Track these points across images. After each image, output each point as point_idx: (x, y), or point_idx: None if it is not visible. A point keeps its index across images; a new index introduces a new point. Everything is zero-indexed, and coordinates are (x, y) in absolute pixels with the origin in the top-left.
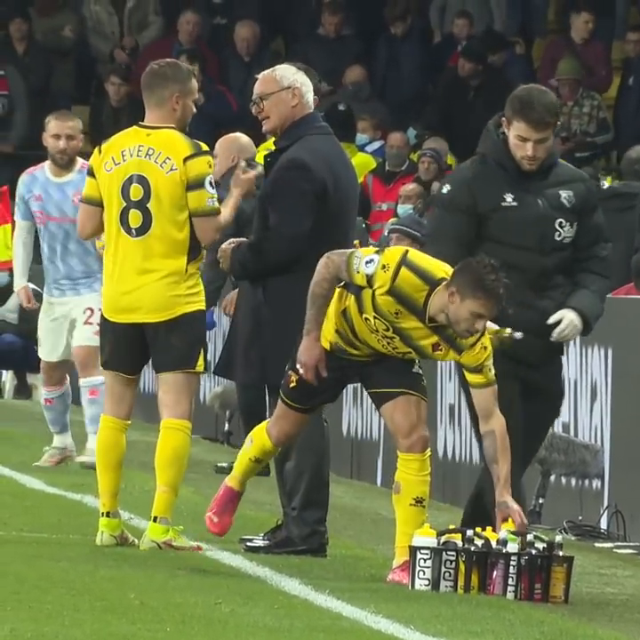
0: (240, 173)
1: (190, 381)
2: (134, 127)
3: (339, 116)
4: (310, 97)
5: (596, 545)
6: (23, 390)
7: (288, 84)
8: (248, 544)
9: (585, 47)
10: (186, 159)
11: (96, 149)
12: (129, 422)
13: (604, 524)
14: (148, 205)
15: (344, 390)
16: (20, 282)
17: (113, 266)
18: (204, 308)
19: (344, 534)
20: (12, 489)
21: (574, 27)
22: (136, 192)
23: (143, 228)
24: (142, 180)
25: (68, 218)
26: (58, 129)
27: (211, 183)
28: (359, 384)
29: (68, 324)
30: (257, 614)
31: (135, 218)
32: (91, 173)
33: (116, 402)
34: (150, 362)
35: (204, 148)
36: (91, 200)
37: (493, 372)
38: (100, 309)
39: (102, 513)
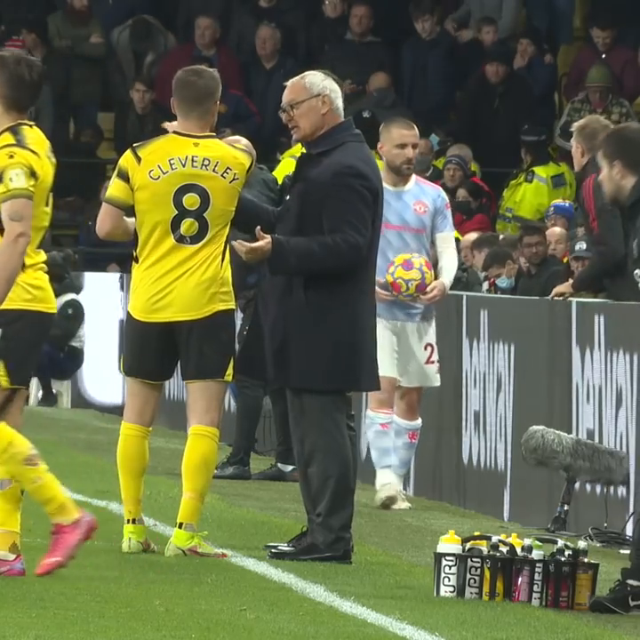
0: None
1: (220, 390)
2: (174, 135)
3: (363, 123)
4: (340, 103)
5: (622, 552)
6: (48, 397)
7: (318, 91)
8: (273, 551)
9: (611, 55)
10: (248, 169)
11: (129, 153)
12: (151, 429)
13: (629, 531)
14: (205, 214)
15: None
16: None
17: (153, 271)
18: (234, 307)
19: (369, 541)
20: None
21: (595, 37)
22: (191, 201)
23: (199, 237)
24: (199, 190)
25: (408, 227)
26: (404, 138)
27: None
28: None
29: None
30: (282, 621)
31: (190, 226)
32: (123, 177)
33: (140, 409)
34: (177, 368)
35: (253, 152)
36: (117, 202)
37: None
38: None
39: (128, 520)
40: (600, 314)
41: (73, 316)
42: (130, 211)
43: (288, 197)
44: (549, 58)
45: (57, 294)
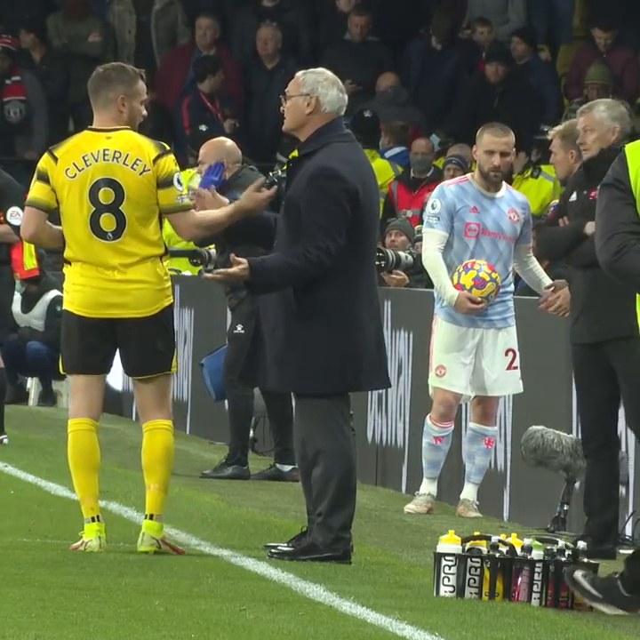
0: (254, 192)
1: (169, 381)
2: (86, 132)
3: (365, 123)
4: (331, 108)
5: (621, 551)
6: (48, 397)
7: (307, 91)
8: (273, 551)
9: (611, 55)
10: (155, 159)
11: (46, 155)
12: (99, 423)
13: (628, 531)
14: (120, 208)
15: (369, 397)
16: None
17: (84, 267)
18: (172, 301)
19: (369, 541)
20: (36, 496)
21: (596, 37)
22: (106, 196)
23: (118, 231)
24: (113, 184)
25: (503, 235)
26: (493, 145)
27: (179, 180)
28: (383, 391)
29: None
30: (281, 621)
31: (108, 221)
32: (43, 178)
33: (89, 404)
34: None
35: (167, 146)
36: (39, 204)
37: None
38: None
39: (91, 518)
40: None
41: (61, 312)
42: (55, 214)
43: (283, 202)
44: (546, 55)
45: (39, 294)
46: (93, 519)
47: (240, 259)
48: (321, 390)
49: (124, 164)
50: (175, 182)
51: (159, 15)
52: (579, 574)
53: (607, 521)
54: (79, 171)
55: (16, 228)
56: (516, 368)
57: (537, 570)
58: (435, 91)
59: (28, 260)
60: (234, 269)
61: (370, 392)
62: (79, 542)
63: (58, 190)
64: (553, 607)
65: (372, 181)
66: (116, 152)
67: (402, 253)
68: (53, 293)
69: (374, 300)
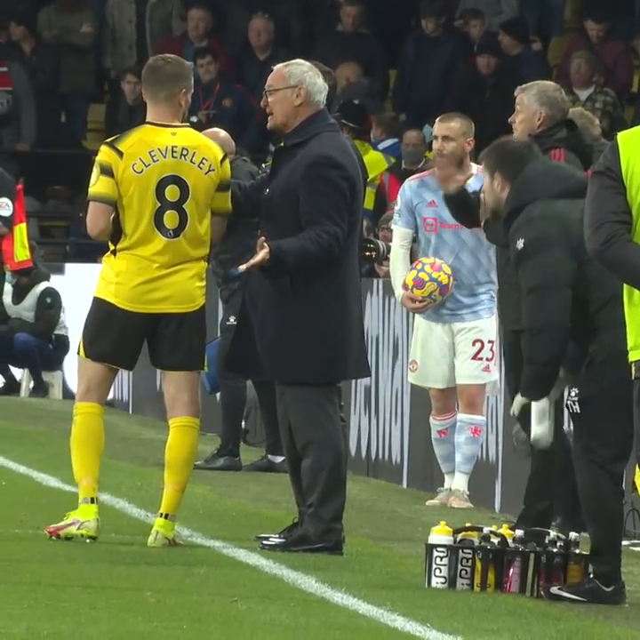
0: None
1: (198, 379)
2: (147, 126)
3: (354, 111)
4: (319, 97)
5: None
6: (39, 389)
7: (295, 82)
8: (264, 542)
9: (603, 47)
10: (222, 160)
11: (108, 148)
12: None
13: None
14: (184, 206)
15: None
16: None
17: (132, 260)
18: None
19: (360, 532)
20: (28, 487)
21: (588, 29)
22: (172, 193)
23: (179, 229)
24: (179, 181)
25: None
26: (436, 131)
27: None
28: (371, 384)
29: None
30: (273, 612)
31: (172, 219)
32: (108, 172)
33: (102, 391)
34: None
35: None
36: (107, 199)
37: None
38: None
39: (91, 498)
40: None
41: (52, 304)
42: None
43: (267, 191)
44: (538, 46)
45: (30, 286)
46: (92, 500)
47: (264, 243)
48: (314, 379)
49: (191, 161)
50: (232, 186)
51: (155, 7)
52: (555, 589)
53: (541, 510)
54: (146, 166)
55: (6, 220)
56: (481, 359)
57: (529, 561)
58: (428, 79)
59: (21, 250)
60: (258, 257)
61: (357, 387)
62: (70, 521)
63: (122, 184)
64: (546, 595)
65: (362, 171)
66: (183, 149)
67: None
68: (44, 285)
69: (358, 287)
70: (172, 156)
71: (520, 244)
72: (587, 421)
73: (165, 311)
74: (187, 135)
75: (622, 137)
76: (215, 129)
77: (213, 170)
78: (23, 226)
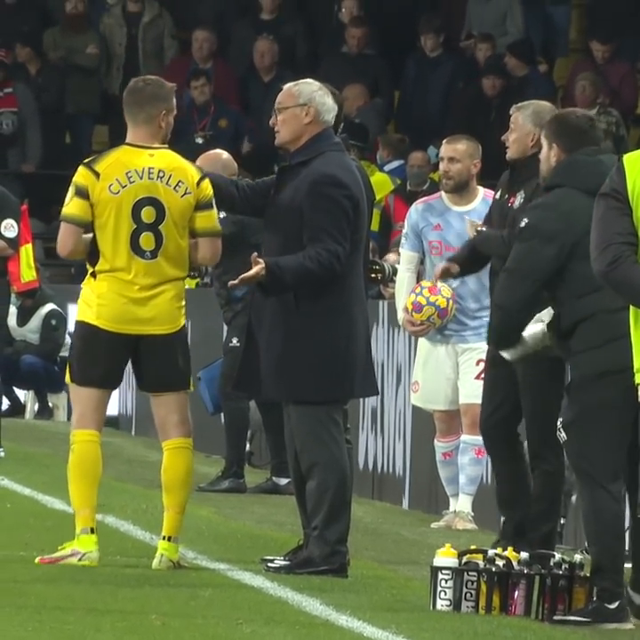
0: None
1: (187, 400)
2: (126, 147)
3: (356, 130)
4: (328, 117)
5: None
6: (44, 411)
7: (304, 101)
8: (269, 564)
9: (609, 68)
10: (198, 182)
11: (85, 170)
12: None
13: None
14: (160, 228)
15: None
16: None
17: (113, 282)
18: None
19: (365, 555)
20: (33, 509)
21: (594, 50)
22: (148, 214)
23: (156, 250)
24: (155, 203)
25: None
26: (443, 152)
27: (214, 204)
28: (379, 406)
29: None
30: (278, 635)
31: (148, 240)
32: (82, 194)
33: (98, 417)
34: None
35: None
36: (78, 221)
37: None
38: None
39: (91, 528)
40: None
41: (57, 326)
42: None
43: (271, 209)
44: (545, 68)
45: (35, 308)
46: (92, 530)
47: (258, 258)
48: (319, 397)
49: (167, 184)
50: (214, 205)
51: (147, 28)
52: (559, 616)
53: (517, 521)
54: (122, 187)
55: (11, 241)
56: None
57: (534, 583)
58: (429, 100)
59: (27, 271)
60: (252, 271)
61: (365, 407)
62: (68, 552)
63: (98, 205)
64: (549, 621)
65: (367, 190)
66: (160, 171)
67: (397, 266)
68: (49, 307)
69: (365, 305)
70: (149, 178)
71: (523, 222)
72: (575, 446)
73: (149, 333)
74: (164, 157)
75: (628, 159)
76: (218, 150)
77: (190, 192)
78: (29, 246)
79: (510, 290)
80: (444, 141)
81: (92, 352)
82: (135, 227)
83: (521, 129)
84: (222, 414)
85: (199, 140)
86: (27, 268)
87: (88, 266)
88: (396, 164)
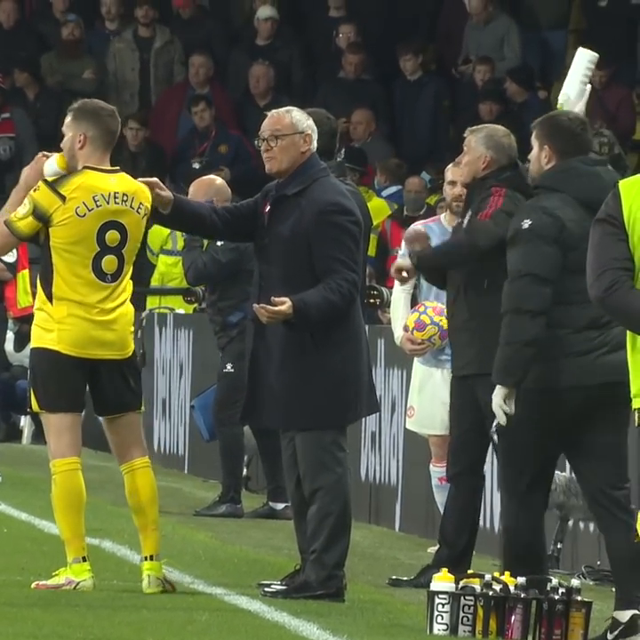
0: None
1: (141, 420)
2: (89, 171)
3: (356, 155)
4: (317, 144)
5: (615, 590)
6: (41, 435)
7: (302, 129)
8: (266, 589)
9: (606, 93)
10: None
11: (49, 191)
12: None
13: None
14: (122, 251)
15: (362, 435)
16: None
17: (72, 306)
18: None
19: (362, 579)
20: (30, 534)
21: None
22: (112, 238)
23: (117, 274)
24: (118, 226)
25: None
26: (452, 176)
27: None
28: (377, 428)
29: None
30: None
31: (110, 263)
32: (40, 218)
33: (75, 442)
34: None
35: None
36: (21, 236)
37: None
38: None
39: (83, 557)
40: None
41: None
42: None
43: (265, 240)
44: (544, 94)
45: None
46: (84, 559)
47: (282, 298)
48: (332, 422)
49: (130, 207)
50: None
51: (158, 53)
52: None
53: (459, 549)
54: (89, 211)
55: (10, 266)
56: None
57: (531, 608)
58: (417, 123)
59: (23, 297)
60: (282, 308)
61: (363, 430)
62: (63, 581)
63: (62, 228)
64: None
65: (363, 215)
66: (124, 195)
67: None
68: None
69: (364, 327)
70: (115, 202)
71: (526, 224)
72: (504, 451)
73: (108, 357)
74: (125, 180)
75: (624, 185)
76: (211, 176)
77: (147, 214)
78: (26, 272)
79: (526, 291)
80: (451, 165)
81: (58, 377)
82: (99, 250)
83: (473, 152)
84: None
85: (195, 165)
86: (23, 294)
87: (41, 292)
88: (393, 189)
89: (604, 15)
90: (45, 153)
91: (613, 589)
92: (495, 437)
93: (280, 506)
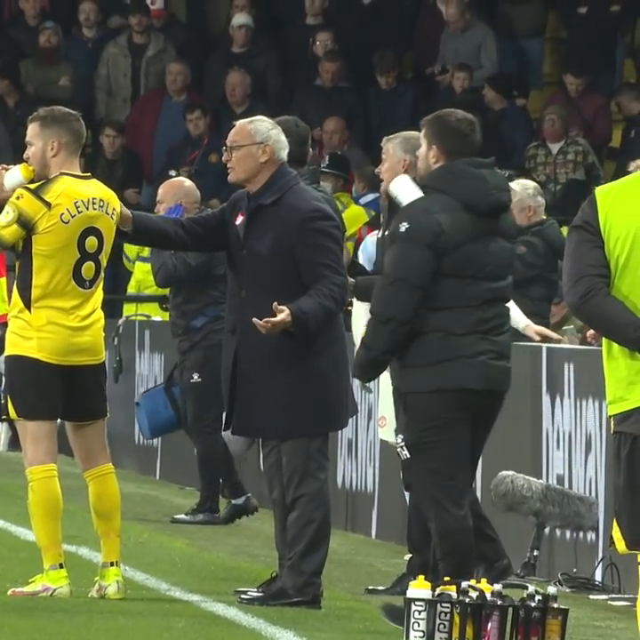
0: None
1: (105, 427)
2: (66, 177)
3: (340, 161)
4: (283, 154)
5: (591, 597)
6: (17, 442)
7: (261, 139)
8: (242, 596)
9: (583, 101)
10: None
11: (34, 198)
12: None
13: (598, 577)
14: (99, 257)
15: (339, 442)
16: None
17: (51, 313)
18: None
19: (338, 586)
20: (6, 541)
21: (568, 83)
22: (91, 244)
23: (94, 280)
24: (96, 232)
25: None
26: None
27: None
28: (354, 436)
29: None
30: None
31: (89, 270)
32: (25, 225)
33: (52, 449)
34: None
35: None
36: (6, 245)
37: None
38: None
39: (60, 564)
40: (570, 361)
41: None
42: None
43: (243, 251)
44: (522, 102)
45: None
46: (61, 565)
47: (282, 306)
48: (326, 429)
49: (105, 212)
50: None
51: (151, 61)
52: None
53: (429, 555)
54: (72, 217)
55: None
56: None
57: (507, 615)
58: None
59: (0, 305)
60: (281, 317)
61: (340, 438)
62: (39, 588)
63: (46, 235)
64: None
65: (339, 219)
66: (100, 200)
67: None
68: None
69: (344, 331)
70: (93, 208)
71: (403, 226)
72: (419, 466)
73: (84, 363)
74: (98, 186)
75: (600, 192)
76: (180, 178)
77: (117, 219)
78: (3, 280)
79: (394, 298)
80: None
81: (37, 385)
82: (79, 256)
83: (392, 158)
84: (195, 451)
85: (172, 173)
86: (0, 302)
87: (19, 299)
88: (371, 196)
89: (583, 23)
90: (4, 165)
91: (590, 597)
92: (405, 452)
93: (241, 499)
